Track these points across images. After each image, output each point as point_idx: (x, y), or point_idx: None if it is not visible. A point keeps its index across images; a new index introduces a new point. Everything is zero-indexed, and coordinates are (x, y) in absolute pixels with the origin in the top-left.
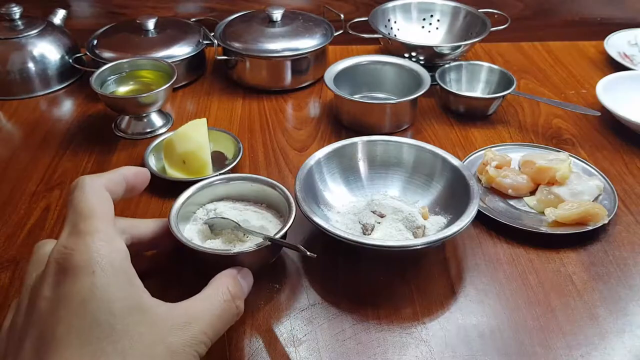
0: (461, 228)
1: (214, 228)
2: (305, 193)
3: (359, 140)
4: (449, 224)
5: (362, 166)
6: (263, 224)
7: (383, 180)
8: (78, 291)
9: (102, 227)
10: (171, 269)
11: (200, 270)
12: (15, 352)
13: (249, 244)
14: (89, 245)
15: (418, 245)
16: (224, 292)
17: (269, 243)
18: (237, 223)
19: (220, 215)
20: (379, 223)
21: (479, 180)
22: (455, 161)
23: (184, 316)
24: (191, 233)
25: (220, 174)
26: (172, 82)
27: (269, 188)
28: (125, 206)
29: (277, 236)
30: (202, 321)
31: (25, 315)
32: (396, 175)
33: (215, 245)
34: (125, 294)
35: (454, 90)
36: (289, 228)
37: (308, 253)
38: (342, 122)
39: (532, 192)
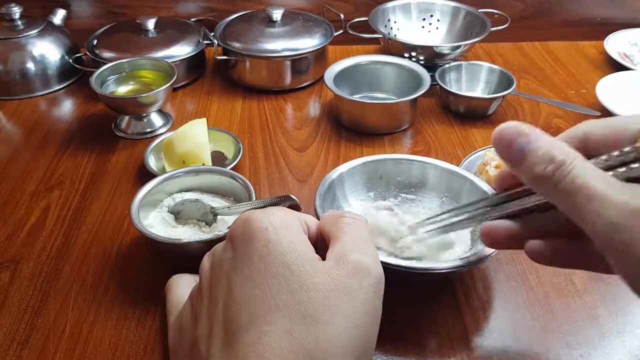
0: (491, 254)
1: (179, 217)
2: (325, 209)
3: (383, 157)
4: (475, 247)
5: (385, 186)
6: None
7: (407, 203)
8: (255, 248)
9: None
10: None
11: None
12: (208, 311)
13: (209, 235)
14: (263, 213)
15: (443, 269)
16: (344, 220)
17: None
18: (210, 206)
19: (190, 199)
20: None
21: None
22: (484, 186)
23: (341, 258)
24: (154, 220)
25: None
26: (172, 82)
27: (232, 180)
28: (124, 206)
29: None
30: (355, 251)
31: (211, 279)
32: (421, 197)
33: (176, 233)
34: (296, 247)
35: (454, 90)
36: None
37: (297, 201)
38: (342, 122)
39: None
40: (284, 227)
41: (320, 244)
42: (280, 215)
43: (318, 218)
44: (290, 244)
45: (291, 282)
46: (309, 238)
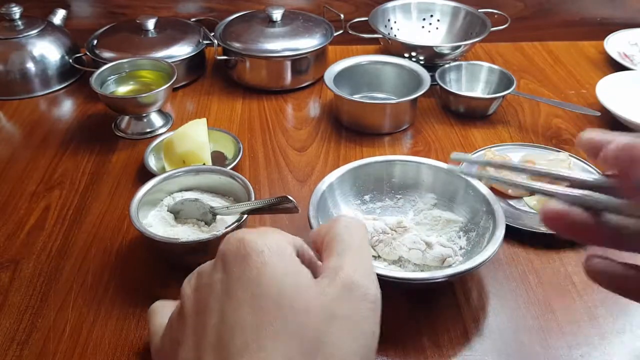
0: (487, 258)
1: (179, 216)
2: (320, 220)
3: (376, 160)
4: (472, 250)
5: (380, 188)
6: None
7: (401, 203)
8: (250, 272)
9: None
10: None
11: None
12: (194, 336)
13: (208, 235)
14: (258, 235)
15: (440, 278)
16: (338, 226)
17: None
18: (209, 205)
19: (190, 199)
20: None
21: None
22: (480, 187)
23: (337, 277)
24: (154, 219)
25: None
26: (172, 82)
27: (232, 180)
28: (124, 206)
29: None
30: (349, 268)
31: (198, 301)
32: (415, 198)
33: (175, 232)
34: (291, 272)
35: (454, 90)
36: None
37: (295, 203)
38: (342, 122)
39: (532, 193)
40: (279, 251)
41: (313, 265)
42: (276, 239)
43: (312, 229)
44: (285, 269)
45: (286, 308)
46: (303, 260)
